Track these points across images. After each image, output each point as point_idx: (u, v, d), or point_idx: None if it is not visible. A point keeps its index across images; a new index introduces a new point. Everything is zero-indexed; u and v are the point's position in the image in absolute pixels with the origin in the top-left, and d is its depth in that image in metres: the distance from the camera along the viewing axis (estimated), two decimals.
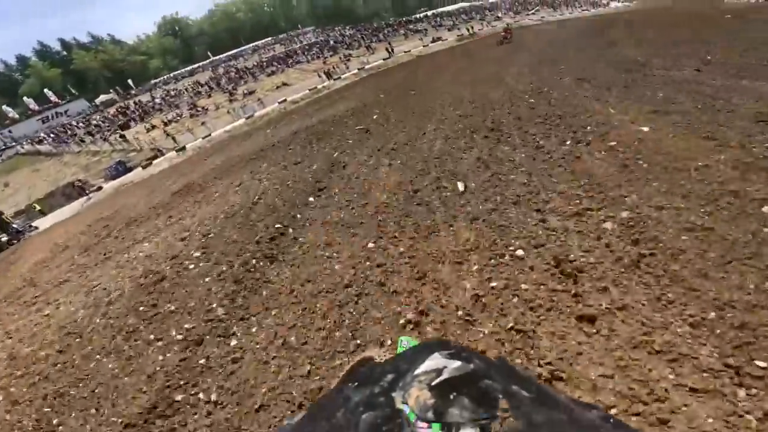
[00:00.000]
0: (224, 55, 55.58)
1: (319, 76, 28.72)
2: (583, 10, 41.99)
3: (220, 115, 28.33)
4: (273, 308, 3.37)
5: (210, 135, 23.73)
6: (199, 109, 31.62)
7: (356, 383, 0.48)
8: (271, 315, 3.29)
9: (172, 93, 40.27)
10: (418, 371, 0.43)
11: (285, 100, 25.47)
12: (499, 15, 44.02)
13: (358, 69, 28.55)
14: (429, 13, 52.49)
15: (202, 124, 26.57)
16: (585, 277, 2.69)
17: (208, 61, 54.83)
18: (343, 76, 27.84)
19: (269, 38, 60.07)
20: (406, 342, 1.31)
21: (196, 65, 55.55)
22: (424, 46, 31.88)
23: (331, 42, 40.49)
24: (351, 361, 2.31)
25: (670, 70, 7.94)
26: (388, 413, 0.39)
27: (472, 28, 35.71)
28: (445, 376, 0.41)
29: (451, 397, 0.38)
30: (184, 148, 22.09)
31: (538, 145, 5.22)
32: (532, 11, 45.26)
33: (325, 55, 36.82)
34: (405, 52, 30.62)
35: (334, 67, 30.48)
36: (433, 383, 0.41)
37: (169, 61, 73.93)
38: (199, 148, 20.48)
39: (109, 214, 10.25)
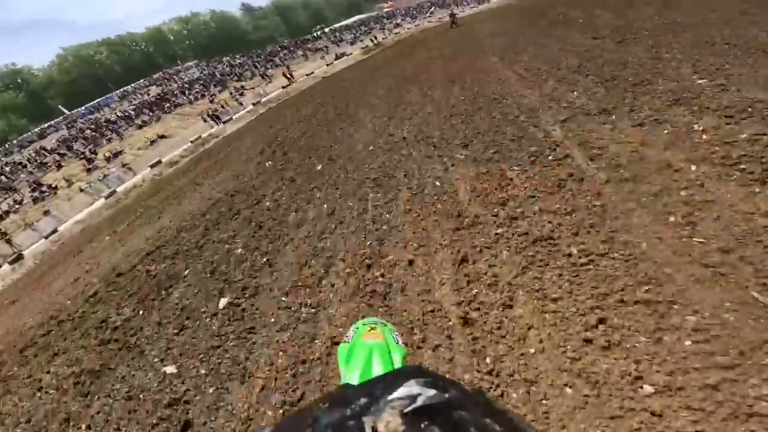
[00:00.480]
0: (84, 107, 44.75)
1: (205, 120, 22.60)
2: (472, 8, 42.22)
3: (73, 194, 20.50)
4: None
5: (57, 230, 16.43)
6: (44, 188, 22.99)
7: (327, 404, 0.46)
8: None
9: (8, 170, 29.88)
10: (391, 397, 0.43)
11: (160, 162, 18.94)
12: (398, 22, 42.16)
13: (254, 104, 23.10)
14: (326, 29, 48.78)
15: (46, 213, 18.70)
16: None
17: (62, 117, 43.54)
18: (235, 116, 22.15)
19: (142, 80, 50.38)
20: (351, 333, 1.01)
21: (46, 123, 43.78)
22: (328, 65, 27.67)
23: (218, 75, 34.08)
24: None
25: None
26: None
27: (376, 38, 32.67)
28: (418, 403, 0.41)
29: (423, 425, 0.38)
30: (20, 256, 14.60)
31: None
32: (428, 14, 44.40)
33: (211, 92, 30.43)
34: (307, 75, 26.01)
35: (223, 106, 24.56)
36: (405, 410, 0.40)
37: (15, 120, 58.84)
38: (43, 253, 13.46)
39: None
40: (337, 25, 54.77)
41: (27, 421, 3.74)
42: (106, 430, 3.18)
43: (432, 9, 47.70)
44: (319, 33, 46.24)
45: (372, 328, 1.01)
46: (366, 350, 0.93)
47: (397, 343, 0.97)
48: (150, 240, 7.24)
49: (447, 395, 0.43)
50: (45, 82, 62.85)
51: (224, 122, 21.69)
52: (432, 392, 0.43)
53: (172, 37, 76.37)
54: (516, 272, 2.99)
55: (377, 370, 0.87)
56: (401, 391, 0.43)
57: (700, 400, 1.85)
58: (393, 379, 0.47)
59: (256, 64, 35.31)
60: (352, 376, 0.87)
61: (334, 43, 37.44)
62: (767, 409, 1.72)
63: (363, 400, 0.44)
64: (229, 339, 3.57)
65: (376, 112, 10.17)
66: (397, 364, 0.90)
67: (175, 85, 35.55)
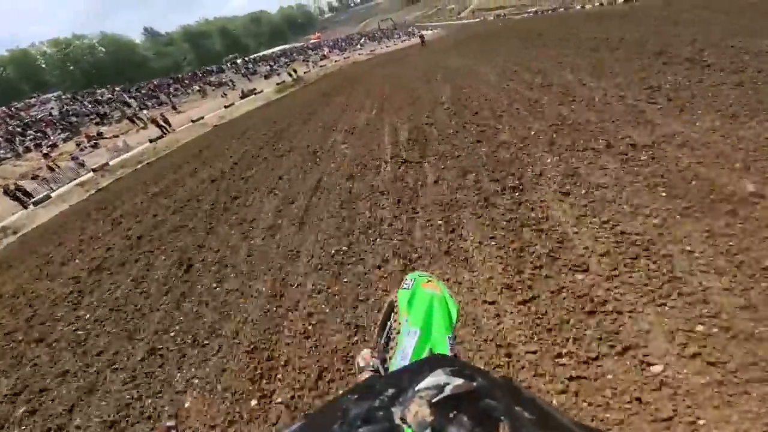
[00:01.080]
0: None
1: (8, 194, 13.55)
2: (403, 40, 39.18)
3: None
4: None
5: None
6: None
7: (356, 396, 0.47)
8: None
9: None
10: (419, 386, 0.43)
11: None
12: (324, 53, 36.96)
13: (94, 170, 14.74)
14: (238, 60, 41.36)
15: None
16: None
17: None
18: (57, 192, 13.63)
19: None
20: (410, 281, 1.04)
21: None
22: (227, 105, 20.50)
23: (73, 117, 24.36)
24: None
25: None
26: (386, 428, 0.39)
27: (296, 71, 26.57)
28: (446, 393, 0.41)
29: (451, 415, 0.38)
30: None
31: None
32: (358, 46, 40.17)
33: (53, 140, 20.89)
34: (194, 120, 18.48)
35: (53, 167, 15.77)
36: (433, 400, 0.40)
37: None
38: None
39: None
40: (254, 56, 47.77)
41: None
42: None
43: (363, 40, 43.88)
44: (229, 63, 38.60)
45: (429, 280, 1.03)
46: (426, 299, 0.97)
47: (451, 297, 0.98)
48: None
49: (475, 384, 0.42)
50: None
51: (34, 203, 13.03)
52: (459, 381, 0.43)
53: (43, 62, 61.67)
54: None
55: (438, 319, 0.91)
56: (429, 381, 0.43)
57: None
58: (420, 368, 0.47)
59: (136, 99, 26.45)
60: (414, 321, 0.90)
61: (245, 76, 30.41)
62: None
63: (391, 391, 0.44)
64: None
65: (284, 195, 5.87)
66: (452, 322, 0.93)
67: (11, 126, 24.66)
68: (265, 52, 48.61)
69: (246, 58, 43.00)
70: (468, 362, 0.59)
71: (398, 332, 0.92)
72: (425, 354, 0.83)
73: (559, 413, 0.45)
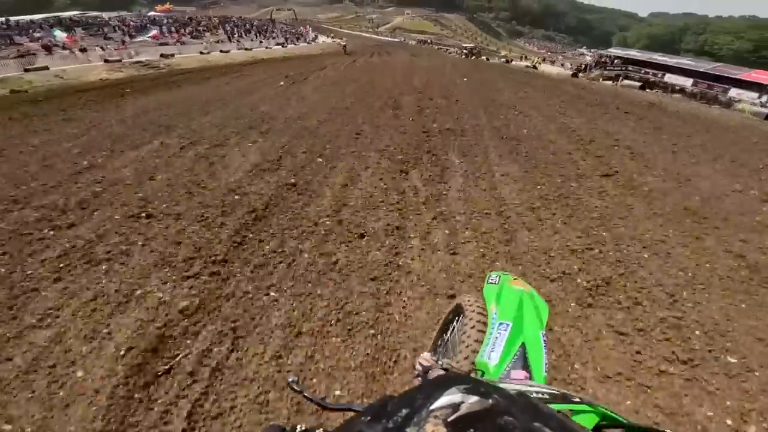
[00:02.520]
0: None
1: None
2: (281, 44, 24.10)
3: None
4: None
5: None
6: None
7: (369, 417, 0.46)
8: None
9: None
10: (434, 406, 0.42)
11: None
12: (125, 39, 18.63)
13: None
14: None
15: None
16: None
17: None
18: None
19: None
20: (495, 277, 1.09)
21: None
22: None
23: None
24: None
25: None
26: None
27: None
28: (462, 411, 0.40)
29: None
30: None
31: None
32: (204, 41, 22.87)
33: None
34: None
35: None
36: (449, 419, 0.39)
37: None
38: None
39: None
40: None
41: None
42: None
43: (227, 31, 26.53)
44: None
45: (515, 278, 1.03)
46: (516, 295, 0.96)
47: (540, 298, 0.97)
48: None
49: (491, 401, 0.41)
50: None
51: None
52: (474, 398, 0.42)
53: None
54: None
55: (529, 314, 0.88)
56: (443, 400, 0.42)
57: None
58: (434, 388, 0.46)
59: None
60: (505, 314, 0.90)
61: None
62: None
63: (405, 411, 0.43)
64: None
65: None
66: (544, 320, 0.89)
67: None
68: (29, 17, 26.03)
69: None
70: (482, 379, 0.60)
71: (484, 324, 0.93)
72: (517, 347, 0.81)
73: (579, 428, 0.43)
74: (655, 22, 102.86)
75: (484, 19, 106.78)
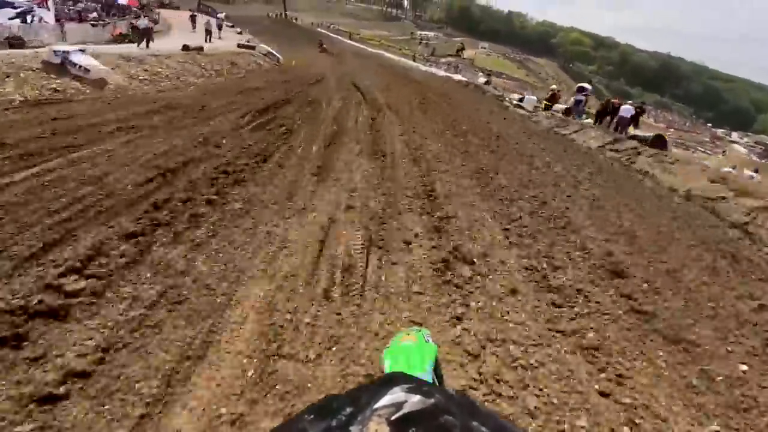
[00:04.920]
0: None
1: None
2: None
3: None
4: None
5: None
6: None
7: (312, 415, 0.46)
8: None
9: None
10: (377, 405, 0.42)
11: None
12: None
13: None
14: None
15: None
16: None
17: None
18: None
19: None
20: (390, 341, 1.19)
21: None
22: None
23: None
24: None
25: None
26: None
27: None
28: (404, 410, 0.41)
29: None
30: None
31: None
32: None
33: None
34: None
35: None
36: (392, 418, 0.40)
37: None
38: None
39: None
40: None
41: None
42: None
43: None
44: None
45: (407, 334, 1.11)
46: (403, 352, 1.05)
47: (427, 341, 1.03)
48: None
49: (432, 400, 0.42)
50: None
51: None
52: (417, 398, 0.42)
53: None
54: None
55: (414, 362, 0.96)
56: (387, 399, 0.43)
57: None
58: (378, 387, 0.47)
59: None
60: (393, 367, 0.97)
61: None
62: None
63: (349, 410, 0.43)
64: None
65: None
66: (427, 361, 0.97)
67: None
68: None
69: None
70: (424, 380, 0.63)
71: None
72: None
73: (515, 428, 0.45)
74: None
75: (581, 71, 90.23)
